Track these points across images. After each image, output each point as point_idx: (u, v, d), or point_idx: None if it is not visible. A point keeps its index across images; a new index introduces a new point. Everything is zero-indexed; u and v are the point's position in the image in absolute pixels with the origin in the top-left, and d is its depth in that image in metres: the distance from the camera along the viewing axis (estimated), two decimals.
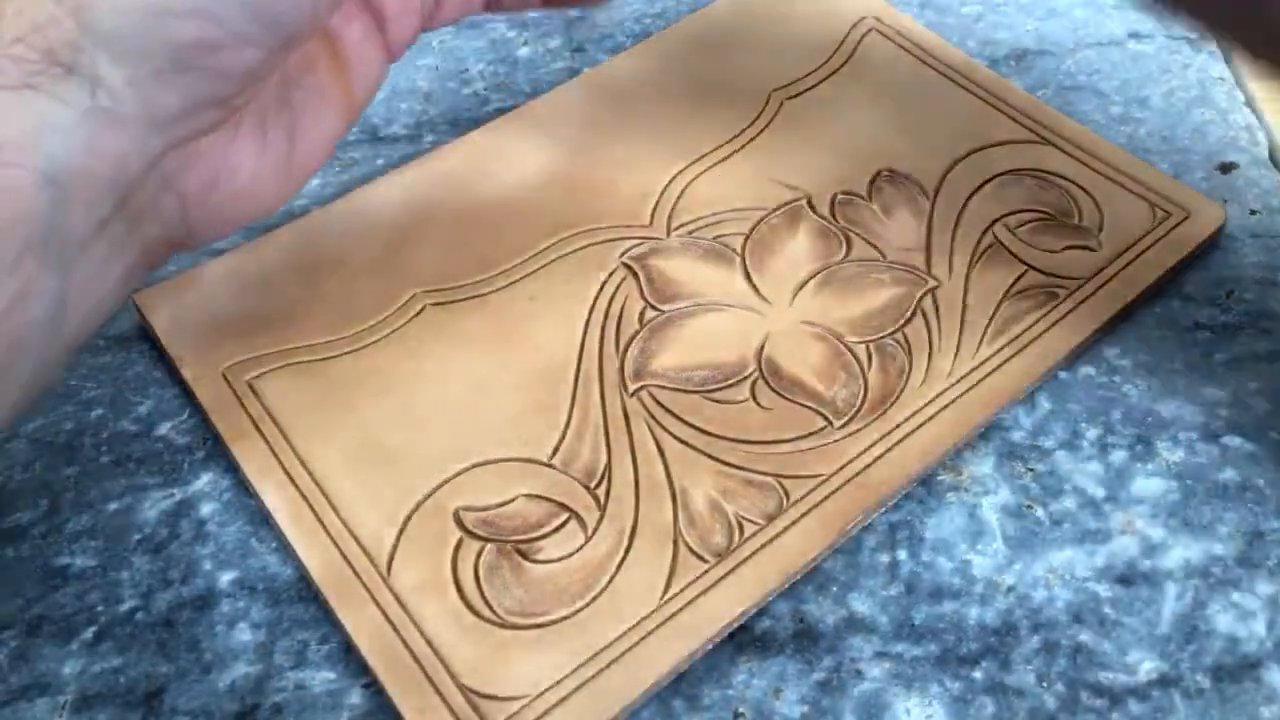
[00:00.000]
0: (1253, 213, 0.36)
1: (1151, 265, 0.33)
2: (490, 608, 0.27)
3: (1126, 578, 0.28)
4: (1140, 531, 0.29)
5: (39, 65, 0.21)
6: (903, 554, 0.29)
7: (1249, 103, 0.40)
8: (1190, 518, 0.29)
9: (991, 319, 0.32)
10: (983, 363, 0.31)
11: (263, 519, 0.30)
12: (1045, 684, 0.26)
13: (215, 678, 0.27)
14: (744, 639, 0.27)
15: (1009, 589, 0.28)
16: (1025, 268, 0.33)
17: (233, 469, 0.31)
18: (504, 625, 0.26)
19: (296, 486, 0.29)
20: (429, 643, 0.26)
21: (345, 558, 0.28)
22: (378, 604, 0.27)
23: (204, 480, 0.31)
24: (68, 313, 0.23)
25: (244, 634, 0.28)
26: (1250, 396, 0.31)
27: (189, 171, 0.25)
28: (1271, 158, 0.38)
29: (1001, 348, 0.31)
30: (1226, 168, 0.37)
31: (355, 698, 0.26)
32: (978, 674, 0.26)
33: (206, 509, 0.30)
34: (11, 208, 0.21)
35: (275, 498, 0.29)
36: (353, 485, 0.29)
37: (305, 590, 0.28)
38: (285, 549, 0.29)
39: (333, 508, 0.29)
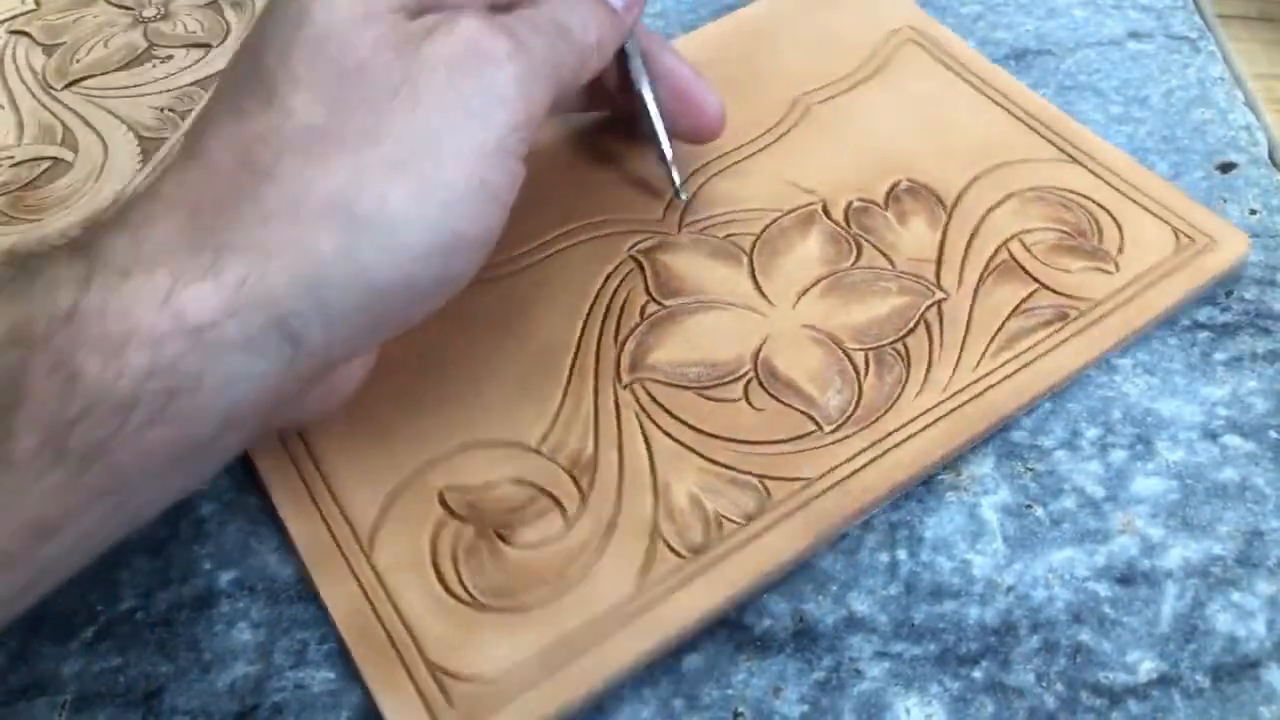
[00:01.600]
0: (1253, 212, 0.36)
1: (1168, 291, 0.33)
2: (465, 589, 0.27)
3: (1126, 577, 0.28)
4: (1140, 531, 0.29)
5: (263, 331, 0.22)
6: (902, 554, 0.29)
7: (1249, 103, 0.40)
8: (1190, 517, 0.29)
9: (996, 334, 0.32)
10: (982, 377, 0.31)
11: (263, 518, 0.30)
12: (1045, 684, 0.26)
13: (215, 677, 0.27)
14: (744, 638, 0.27)
15: (1009, 589, 0.28)
16: (1037, 285, 0.33)
17: (232, 469, 0.31)
18: (477, 607, 0.27)
19: (290, 456, 0.30)
20: (402, 619, 0.27)
21: (330, 530, 0.28)
22: (357, 578, 0.27)
23: None
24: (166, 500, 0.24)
25: (243, 634, 0.28)
26: (1250, 396, 0.31)
27: (320, 385, 0.26)
28: (1271, 158, 0.38)
29: (1004, 363, 0.31)
30: (1226, 167, 0.37)
31: (355, 697, 0.26)
32: (977, 674, 0.26)
33: (206, 509, 0.30)
34: (182, 443, 0.22)
35: (269, 466, 0.29)
36: (345, 459, 0.29)
37: (305, 590, 0.28)
38: (273, 519, 0.29)
39: (323, 478, 0.29)
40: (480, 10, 0.25)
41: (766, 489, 0.29)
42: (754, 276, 0.33)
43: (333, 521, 0.28)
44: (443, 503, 0.29)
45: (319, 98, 0.23)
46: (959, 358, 0.31)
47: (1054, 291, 0.33)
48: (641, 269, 0.34)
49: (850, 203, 0.35)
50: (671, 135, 0.33)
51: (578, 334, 0.32)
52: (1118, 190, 0.35)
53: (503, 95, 0.24)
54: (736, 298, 0.33)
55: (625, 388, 0.31)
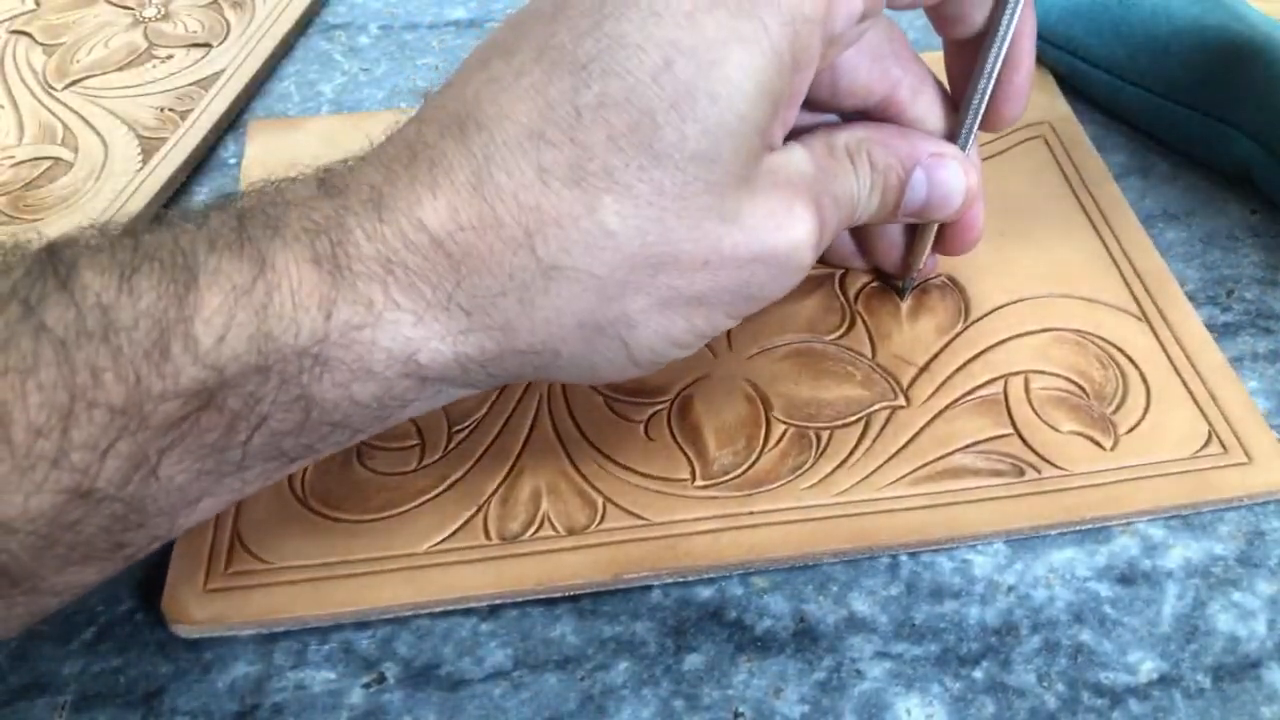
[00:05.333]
0: (1253, 212, 0.36)
1: (1156, 495, 0.29)
2: (302, 484, 0.29)
3: (1127, 577, 0.28)
4: (1141, 531, 0.29)
5: (477, 378, 0.24)
6: (902, 554, 0.29)
7: None
8: (1190, 518, 0.29)
9: (932, 463, 0.29)
10: (883, 499, 0.29)
11: None
12: (1046, 684, 0.26)
13: (215, 678, 0.27)
14: (744, 639, 0.27)
15: (1009, 589, 0.28)
16: (1011, 431, 0.30)
17: None
18: (302, 503, 0.29)
19: None
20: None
21: None
22: None
23: None
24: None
25: (243, 633, 0.28)
26: (1251, 396, 0.31)
27: None
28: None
29: (917, 494, 0.29)
30: (1252, 213, 0.37)
31: (355, 698, 0.26)
32: (978, 674, 0.26)
33: None
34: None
35: None
36: None
37: None
38: None
39: None
40: (813, 192, 0.25)
41: (603, 513, 0.28)
42: None
43: None
44: None
45: (630, 211, 0.22)
46: (875, 471, 0.29)
47: (1027, 445, 0.29)
48: None
49: (871, 280, 0.34)
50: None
51: None
52: (1173, 364, 0.31)
53: (782, 290, 0.25)
54: None
55: None
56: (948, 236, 0.31)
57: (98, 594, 0.28)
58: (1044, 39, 0.39)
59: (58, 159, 0.38)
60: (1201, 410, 0.30)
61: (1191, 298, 0.33)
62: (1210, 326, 0.33)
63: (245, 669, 0.27)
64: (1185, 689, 0.26)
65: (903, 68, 0.28)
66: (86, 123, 0.40)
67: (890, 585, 0.28)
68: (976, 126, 0.29)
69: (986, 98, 0.28)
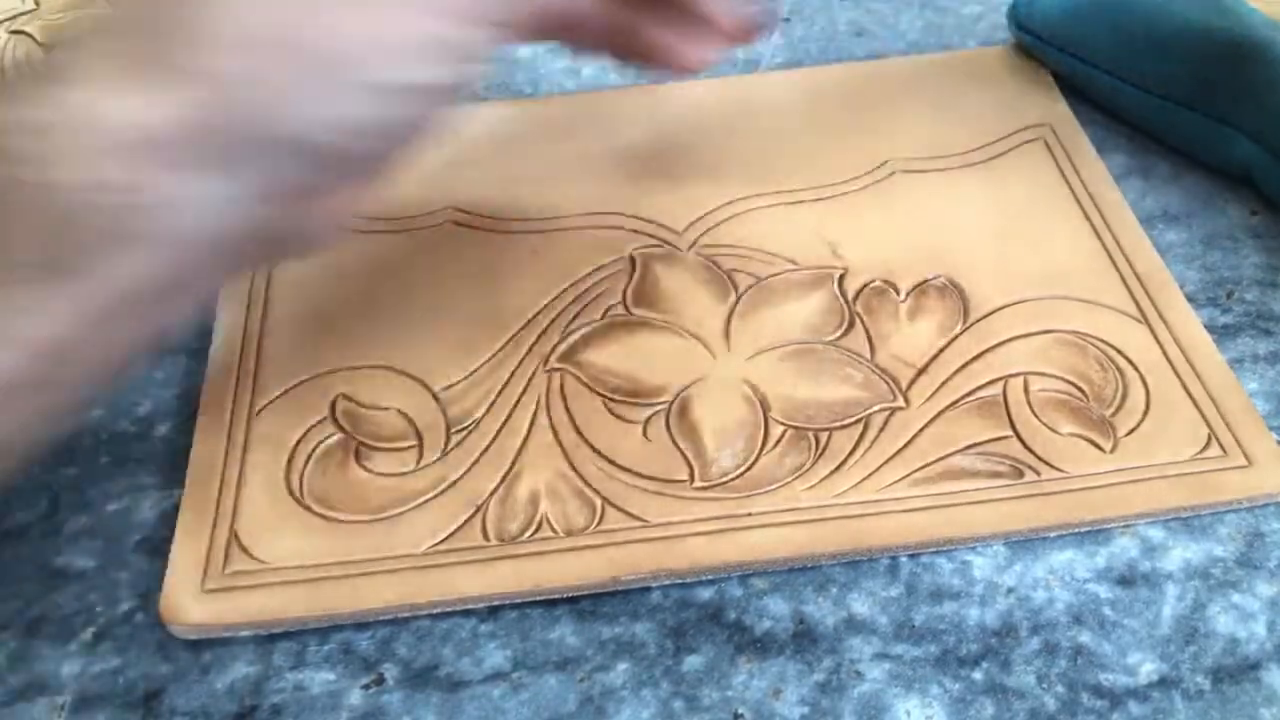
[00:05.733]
0: (1253, 213, 0.36)
1: (1159, 499, 0.28)
2: (301, 485, 0.29)
3: (1126, 579, 0.28)
4: (1140, 533, 0.29)
5: (223, 151, 0.22)
6: (902, 555, 0.29)
7: None
8: (1190, 520, 0.29)
9: (931, 464, 0.29)
10: (882, 500, 0.28)
11: None
12: (1045, 685, 0.26)
13: (214, 678, 0.27)
14: (744, 640, 0.27)
15: (1009, 590, 0.28)
16: (1010, 433, 0.30)
17: None
18: (300, 503, 0.29)
19: (248, 312, 0.33)
20: (239, 485, 0.29)
21: (237, 383, 0.31)
22: (229, 432, 0.30)
23: None
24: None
25: (241, 634, 0.28)
26: (1251, 396, 0.31)
27: (316, 212, 0.26)
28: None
29: (916, 495, 0.28)
30: (1253, 212, 0.37)
31: (354, 698, 0.26)
32: (978, 675, 0.26)
33: None
34: (168, 265, 0.23)
35: (227, 313, 0.33)
36: (288, 335, 0.32)
37: None
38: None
39: (259, 342, 0.32)
40: None
41: (602, 514, 0.28)
42: (730, 317, 0.33)
43: (244, 376, 0.31)
44: (332, 406, 0.31)
45: None
46: (874, 472, 0.29)
47: (1027, 447, 0.29)
48: (632, 272, 0.34)
49: (870, 281, 0.33)
50: None
51: (536, 310, 0.33)
52: (1172, 366, 0.31)
53: None
54: (700, 332, 0.32)
55: (547, 371, 0.32)
56: None
57: (98, 594, 0.28)
58: (1044, 40, 0.39)
59: None
60: (1201, 413, 0.30)
61: (1191, 299, 0.33)
62: (1210, 328, 0.33)
63: (244, 670, 0.27)
64: (1185, 691, 0.26)
65: None
66: None
67: (890, 586, 0.28)
68: None
69: None
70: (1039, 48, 0.40)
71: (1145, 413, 0.30)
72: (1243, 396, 0.30)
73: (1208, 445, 0.29)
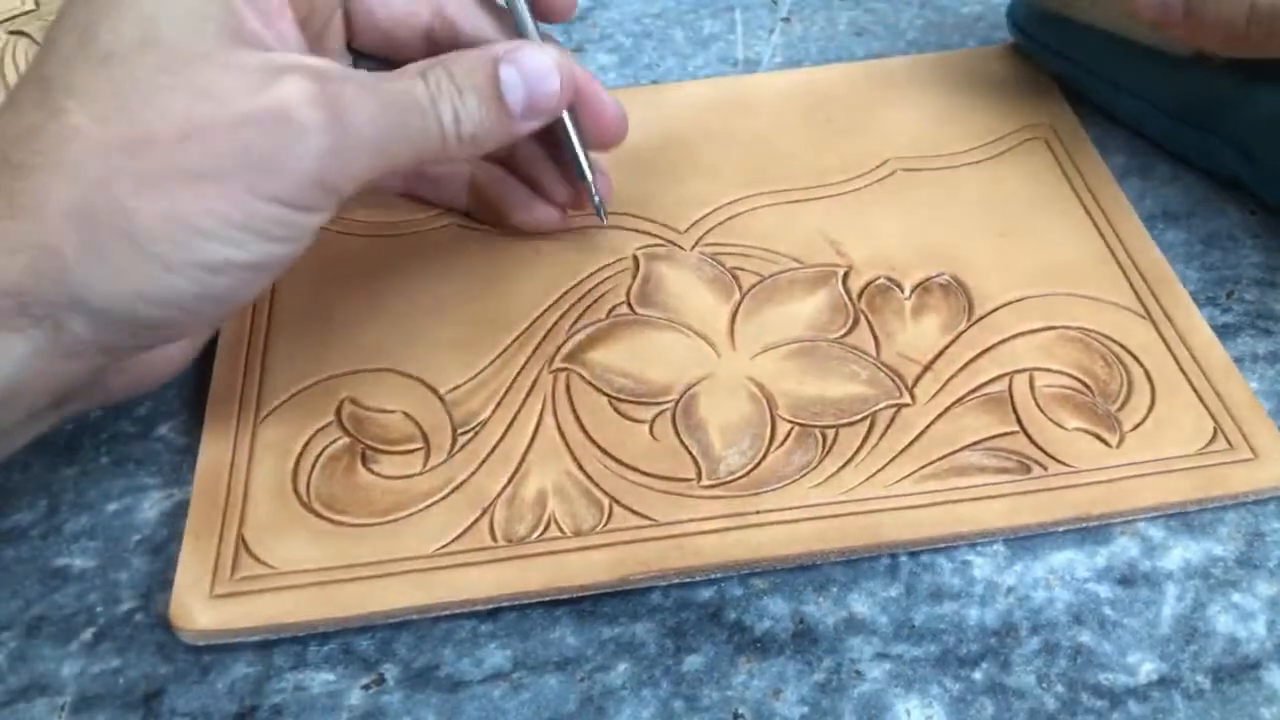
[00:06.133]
0: (1252, 213, 0.36)
1: (1165, 492, 0.29)
2: (307, 489, 0.29)
3: (1126, 579, 0.28)
4: (1140, 532, 0.29)
5: (11, 314, 0.23)
6: (902, 555, 0.29)
7: None
8: (1190, 518, 0.29)
9: (938, 460, 0.29)
10: (891, 496, 0.29)
11: None
12: (1045, 685, 0.26)
13: (214, 679, 0.27)
14: (744, 640, 0.27)
15: (1009, 590, 0.28)
16: (1017, 429, 0.30)
17: None
18: (307, 507, 0.29)
19: (252, 318, 0.33)
20: (246, 490, 0.29)
21: (242, 390, 0.31)
22: (234, 439, 0.30)
23: None
24: None
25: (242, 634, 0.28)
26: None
27: (124, 370, 0.27)
28: None
29: (924, 491, 0.29)
30: (1252, 211, 0.37)
31: (354, 699, 0.26)
32: (978, 675, 0.26)
33: None
34: None
35: (230, 323, 0.33)
36: (288, 339, 0.32)
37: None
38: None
39: (264, 347, 0.32)
40: (316, 70, 0.25)
41: (609, 514, 0.28)
42: (734, 315, 0.33)
43: (248, 383, 0.31)
44: (338, 410, 0.31)
45: (91, 106, 0.23)
46: (882, 468, 0.29)
47: (1033, 442, 0.29)
48: (635, 271, 0.34)
49: (875, 279, 0.34)
50: (587, 149, 0.33)
51: (540, 311, 0.33)
52: (1176, 361, 0.31)
53: (298, 162, 0.24)
54: (705, 330, 0.33)
55: (552, 372, 0.32)
56: (591, 127, 0.32)
57: (98, 594, 0.28)
58: (1040, 43, 0.39)
59: None
60: (1206, 407, 0.30)
61: (1191, 298, 0.33)
62: (1210, 326, 0.33)
63: (245, 670, 0.27)
64: (1185, 690, 0.26)
65: None
66: None
67: (890, 586, 0.28)
68: (532, 27, 0.31)
69: (581, 149, 0.32)
70: (1036, 50, 0.40)
71: (1151, 408, 0.30)
72: (1247, 391, 0.31)
73: (1213, 439, 0.29)
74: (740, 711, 0.26)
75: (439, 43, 0.30)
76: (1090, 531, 0.29)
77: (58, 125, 0.23)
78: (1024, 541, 0.29)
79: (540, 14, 0.31)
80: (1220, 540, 0.29)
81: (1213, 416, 0.30)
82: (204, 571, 0.28)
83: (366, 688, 0.27)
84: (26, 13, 0.44)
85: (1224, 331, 0.33)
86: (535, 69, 0.28)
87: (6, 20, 0.44)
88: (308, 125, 0.24)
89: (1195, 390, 0.31)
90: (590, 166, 0.33)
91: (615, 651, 0.27)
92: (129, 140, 0.23)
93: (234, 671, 0.27)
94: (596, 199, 0.33)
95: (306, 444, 0.30)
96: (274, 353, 0.32)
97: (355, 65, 0.31)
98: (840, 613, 0.28)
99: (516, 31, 0.31)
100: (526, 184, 0.34)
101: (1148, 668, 0.26)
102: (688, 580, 0.28)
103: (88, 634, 0.28)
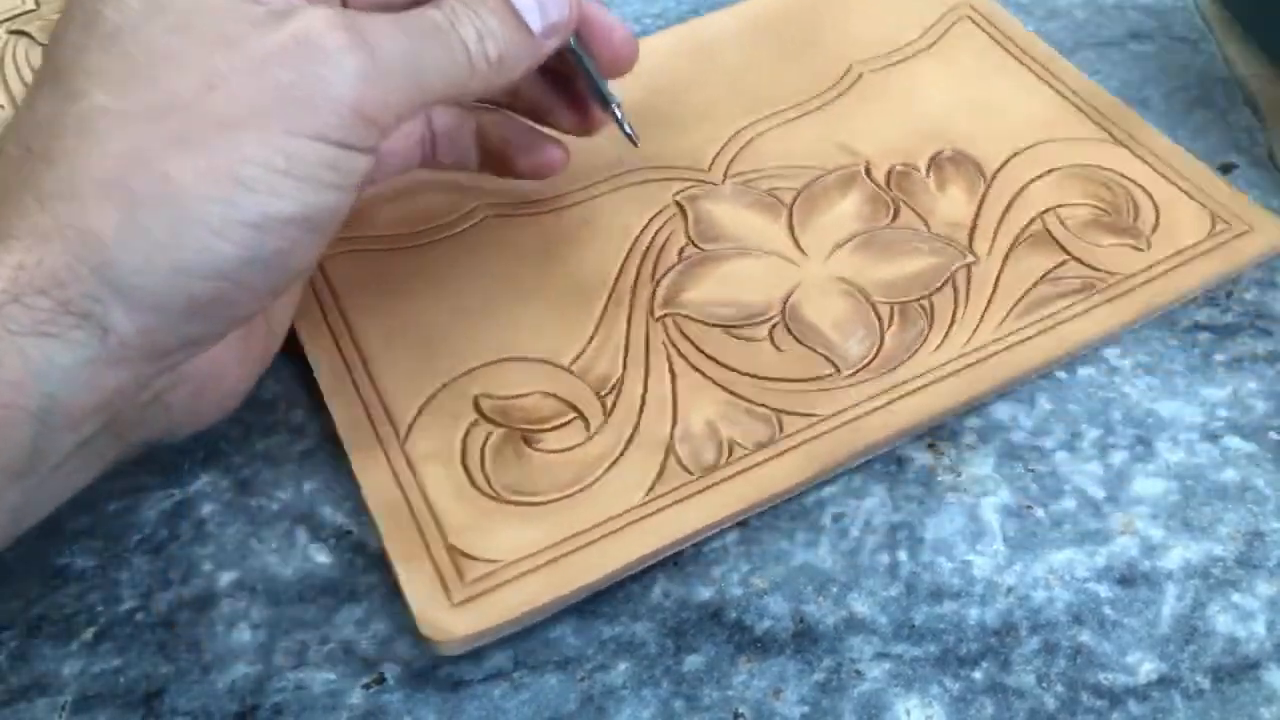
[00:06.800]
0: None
1: (1198, 272, 0.33)
2: (488, 482, 0.29)
3: (1126, 578, 0.28)
4: (1140, 532, 0.29)
5: (52, 314, 0.22)
6: (903, 554, 0.29)
7: (1249, 102, 0.40)
8: (1190, 518, 0.29)
9: (1021, 299, 0.33)
10: (1002, 338, 0.32)
11: (263, 519, 0.30)
12: (1045, 685, 0.26)
13: (215, 678, 0.27)
14: (744, 639, 0.27)
15: (1009, 589, 0.28)
16: (1067, 257, 0.33)
17: (232, 469, 0.31)
18: (497, 499, 0.29)
19: (340, 351, 0.32)
20: (428, 504, 0.29)
21: (370, 418, 0.31)
22: (390, 463, 0.30)
23: (204, 480, 0.31)
24: (25, 513, 0.24)
25: (244, 634, 0.28)
26: (1250, 397, 0.31)
27: (179, 385, 0.26)
28: (1271, 158, 0.38)
29: (1026, 326, 0.32)
30: (1226, 168, 0.37)
31: (355, 698, 0.26)
32: (978, 674, 0.26)
33: (206, 509, 0.30)
34: (4, 447, 0.22)
35: (319, 357, 0.32)
36: (390, 359, 0.32)
37: (305, 590, 0.28)
38: (319, 410, 0.31)
39: (369, 374, 0.32)
40: (333, 5, 0.24)
41: (780, 422, 0.30)
42: (791, 229, 0.35)
43: (372, 410, 0.31)
44: (476, 406, 0.31)
45: (108, 84, 0.23)
46: (982, 318, 0.32)
47: (1083, 264, 0.33)
48: (684, 214, 0.35)
49: (893, 167, 0.36)
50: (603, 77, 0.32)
51: (617, 269, 0.34)
52: (1159, 173, 0.36)
53: (333, 89, 0.23)
54: (772, 247, 0.34)
55: (657, 320, 0.33)
56: (602, 52, 0.31)
57: (98, 594, 0.28)
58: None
59: None
60: (1197, 201, 0.35)
61: (1191, 299, 0.33)
62: (1210, 327, 0.33)
63: (245, 669, 0.27)
64: (1184, 690, 0.26)
65: None
66: None
67: (890, 586, 0.28)
68: (615, 96, 0.31)
69: (599, 79, 0.31)
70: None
71: (1157, 213, 0.35)
72: (1222, 182, 0.35)
73: (1215, 224, 0.34)
74: (740, 711, 0.26)
75: None
76: (1090, 531, 0.29)
77: (77, 107, 0.22)
78: (1024, 541, 0.29)
79: (601, 69, 0.31)
80: (1220, 540, 0.29)
81: (1206, 207, 0.35)
82: (434, 588, 0.27)
83: (367, 687, 0.27)
84: (27, 12, 0.44)
85: (1223, 331, 0.33)
86: None
87: (6, 20, 0.44)
88: (335, 49, 0.23)
89: (1183, 190, 0.35)
90: (600, 79, 0.32)
91: (615, 651, 0.27)
92: (152, 105, 0.22)
93: (234, 671, 0.27)
94: (626, 122, 0.33)
95: (464, 445, 0.30)
96: (382, 376, 0.31)
97: None
98: (840, 612, 0.28)
99: None
100: (532, 119, 0.33)
101: (1147, 667, 0.26)
102: (686, 580, 0.28)
103: (88, 633, 0.28)
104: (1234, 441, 0.31)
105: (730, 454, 0.29)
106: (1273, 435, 0.31)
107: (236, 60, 0.23)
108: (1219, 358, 0.32)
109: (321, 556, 0.29)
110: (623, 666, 0.27)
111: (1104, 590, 0.28)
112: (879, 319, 0.32)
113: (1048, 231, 0.34)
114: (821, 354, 0.32)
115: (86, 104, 0.22)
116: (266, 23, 0.23)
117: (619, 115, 0.32)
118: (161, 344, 0.24)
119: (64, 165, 0.22)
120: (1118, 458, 0.30)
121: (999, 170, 0.36)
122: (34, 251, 0.22)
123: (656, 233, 0.35)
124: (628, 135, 0.33)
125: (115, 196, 0.22)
